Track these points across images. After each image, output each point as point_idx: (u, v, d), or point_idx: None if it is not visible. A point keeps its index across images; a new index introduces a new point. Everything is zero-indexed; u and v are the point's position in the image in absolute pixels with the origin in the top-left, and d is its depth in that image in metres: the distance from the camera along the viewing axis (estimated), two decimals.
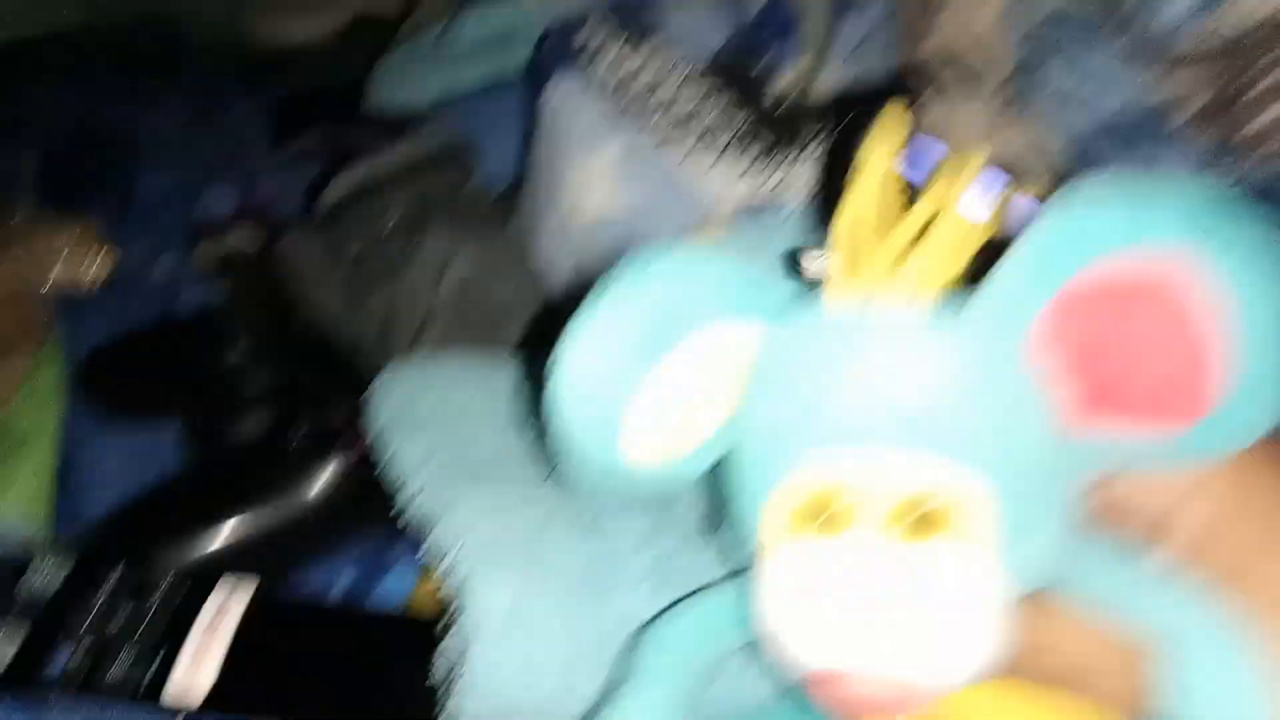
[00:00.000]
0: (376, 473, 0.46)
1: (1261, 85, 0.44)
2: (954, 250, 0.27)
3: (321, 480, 0.58)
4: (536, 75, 0.64)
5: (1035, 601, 0.28)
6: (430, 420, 0.48)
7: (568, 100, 0.60)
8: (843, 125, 0.52)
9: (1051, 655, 0.30)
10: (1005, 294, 0.26)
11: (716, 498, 0.33)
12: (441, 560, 0.39)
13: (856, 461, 0.27)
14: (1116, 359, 0.26)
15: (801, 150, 0.54)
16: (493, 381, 0.51)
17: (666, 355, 0.28)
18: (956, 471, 0.26)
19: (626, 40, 0.60)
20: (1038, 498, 0.27)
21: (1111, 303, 0.25)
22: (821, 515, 0.27)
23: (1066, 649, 0.30)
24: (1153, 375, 0.26)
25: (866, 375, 0.27)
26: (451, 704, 0.38)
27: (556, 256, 0.62)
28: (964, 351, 0.27)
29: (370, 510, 0.53)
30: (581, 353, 0.28)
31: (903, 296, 0.27)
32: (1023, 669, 0.29)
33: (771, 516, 0.29)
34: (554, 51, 0.63)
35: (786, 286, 0.30)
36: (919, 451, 0.26)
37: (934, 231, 0.27)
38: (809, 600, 0.27)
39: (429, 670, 0.40)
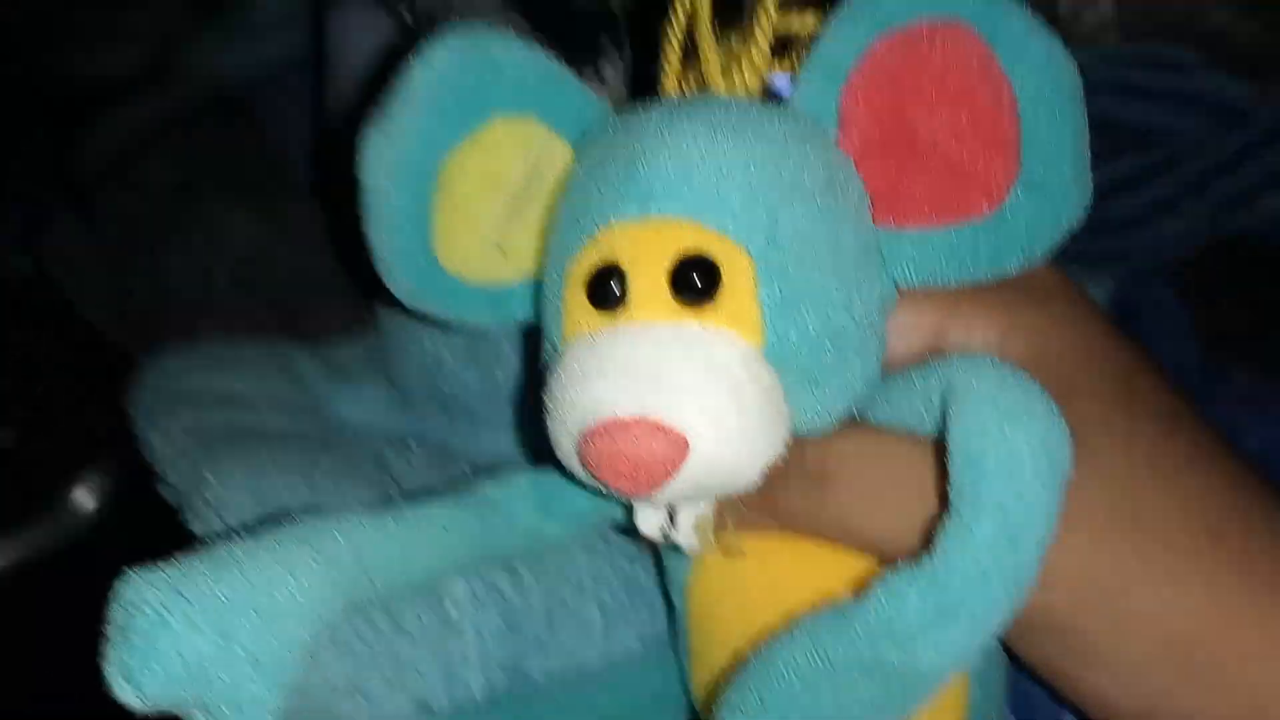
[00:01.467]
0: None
1: None
2: (766, 47, 0.29)
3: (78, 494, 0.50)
4: (319, 11, 0.57)
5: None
6: (192, 403, 0.42)
7: (352, 28, 0.53)
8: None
9: (835, 484, 0.28)
10: (814, 70, 0.28)
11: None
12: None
13: (634, 231, 0.27)
14: (912, 144, 0.27)
15: (599, 61, 0.49)
16: (268, 363, 0.46)
17: (460, 140, 0.29)
18: (726, 240, 0.26)
19: None
20: (808, 279, 0.27)
21: (906, 79, 0.27)
22: (602, 290, 0.27)
23: (850, 473, 0.28)
24: (946, 160, 0.27)
25: (645, 149, 0.27)
26: None
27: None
28: (758, 127, 0.27)
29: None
30: (383, 134, 0.28)
31: (724, 90, 0.29)
32: (809, 506, 0.28)
33: (566, 306, 0.28)
34: None
35: (578, 91, 0.30)
36: (693, 219, 0.27)
37: (756, 28, 0.29)
38: (584, 372, 0.26)
39: None
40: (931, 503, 0.26)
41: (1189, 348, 0.40)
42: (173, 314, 0.54)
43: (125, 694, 0.24)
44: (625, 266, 0.27)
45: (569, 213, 0.29)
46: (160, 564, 0.26)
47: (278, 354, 0.47)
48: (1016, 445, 0.23)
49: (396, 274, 0.30)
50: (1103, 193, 0.30)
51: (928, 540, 0.24)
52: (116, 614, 0.25)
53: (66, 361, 0.57)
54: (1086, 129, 0.27)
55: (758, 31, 0.29)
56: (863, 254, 0.28)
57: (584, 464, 0.26)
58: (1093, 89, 0.28)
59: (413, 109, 0.28)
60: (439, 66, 0.28)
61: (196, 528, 0.35)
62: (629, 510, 0.30)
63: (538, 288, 0.31)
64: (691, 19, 0.30)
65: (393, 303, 0.45)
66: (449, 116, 0.29)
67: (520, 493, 0.32)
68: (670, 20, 0.30)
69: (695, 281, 0.26)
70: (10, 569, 0.52)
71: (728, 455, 0.25)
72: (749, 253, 0.26)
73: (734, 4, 0.30)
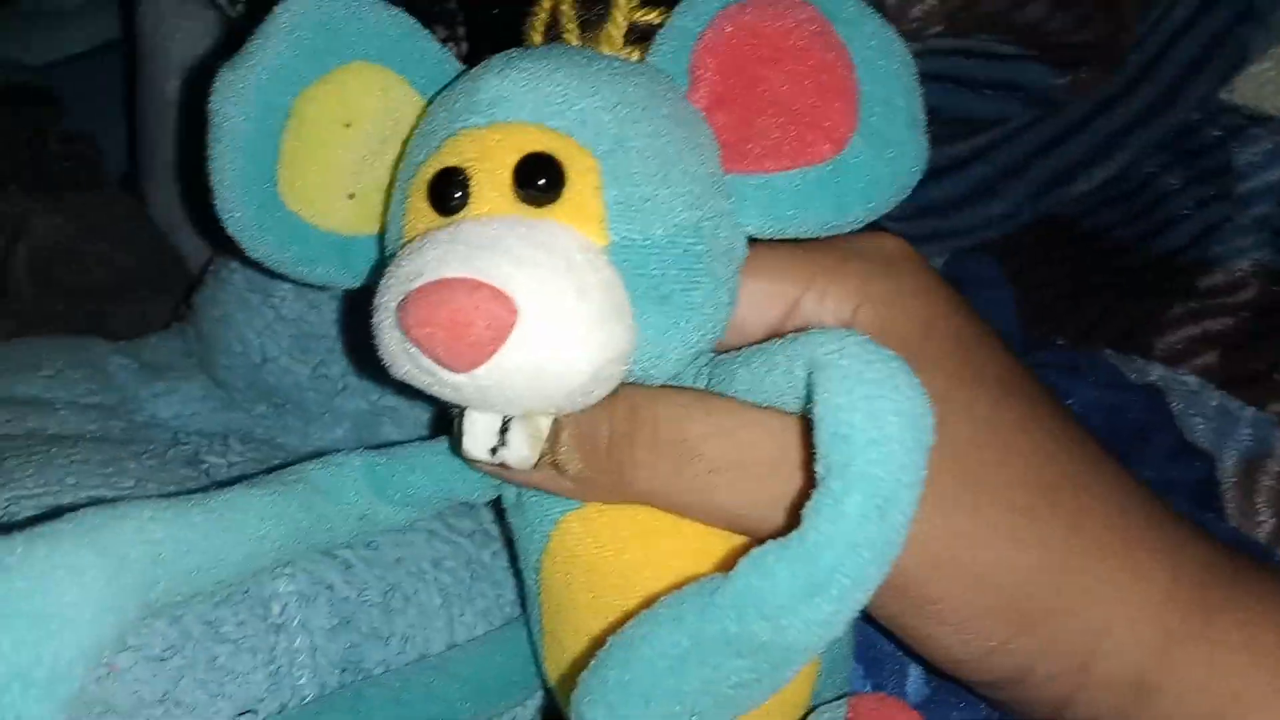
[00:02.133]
0: None
1: None
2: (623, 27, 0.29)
3: None
4: None
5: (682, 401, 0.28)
6: None
7: (166, 10, 0.51)
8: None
9: (698, 456, 0.27)
10: (666, 36, 0.29)
11: None
12: None
13: (478, 135, 0.27)
14: (757, 96, 0.28)
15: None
16: (71, 362, 0.43)
17: (315, 79, 0.29)
18: (568, 140, 0.26)
19: None
20: (654, 185, 0.27)
21: (750, 39, 0.28)
22: (443, 191, 0.27)
23: (710, 447, 0.27)
24: (788, 109, 0.28)
25: (499, 70, 0.27)
26: None
27: (176, 206, 0.52)
28: (612, 65, 0.28)
29: None
30: (238, 65, 0.29)
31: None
32: (666, 478, 0.27)
33: (406, 215, 0.28)
34: None
35: (433, 48, 0.31)
36: (539, 123, 0.26)
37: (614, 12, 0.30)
38: (412, 251, 0.26)
39: None
40: (794, 478, 0.26)
41: (1011, 319, 0.42)
42: None
43: None
44: (467, 168, 0.26)
45: (412, 145, 0.29)
46: None
47: (82, 351, 0.43)
48: (884, 418, 0.23)
49: (235, 207, 0.29)
50: (927, 176, 0.31)
51: (791, 517, 0.24)
52: None
53: None
54: (918, 92, 0.28)
55: (615, 12, 0.29)
56: (711, 187, 0.28)
57: (403, 329, 0.24)
58: (919, 79, 0.29)
59: (270, 43, 0.29)
60: (300, 5, 0.29)
61: None
62: (456, 431, 0.28)
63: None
64: (554, 11, 0.30)
65: (219, 283, 0.42)
66: (305, 52, 0.29)
67: (351, 475, 0.30)
68: (534, 10, 0.30)
69: (538, 179, 0.26)
70: None
71: (558, 335, 0.24)
72: (594, 154, 0.26)
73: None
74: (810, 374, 0.25)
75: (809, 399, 0.24)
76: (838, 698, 0.30)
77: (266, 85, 0.29)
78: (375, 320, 0.26)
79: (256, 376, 0.41)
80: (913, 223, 0.44)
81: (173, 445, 0.38)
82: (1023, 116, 0.45)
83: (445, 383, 0.25)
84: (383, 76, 0.30)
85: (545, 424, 0.27)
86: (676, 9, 0.29)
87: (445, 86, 0.30)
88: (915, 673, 0.35)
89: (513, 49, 0.29)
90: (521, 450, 0.27)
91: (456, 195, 0.26)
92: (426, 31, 0.31)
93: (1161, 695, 0.27)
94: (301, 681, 0.30)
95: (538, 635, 0.31)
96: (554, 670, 0.31)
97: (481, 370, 0.24)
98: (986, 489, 0.27)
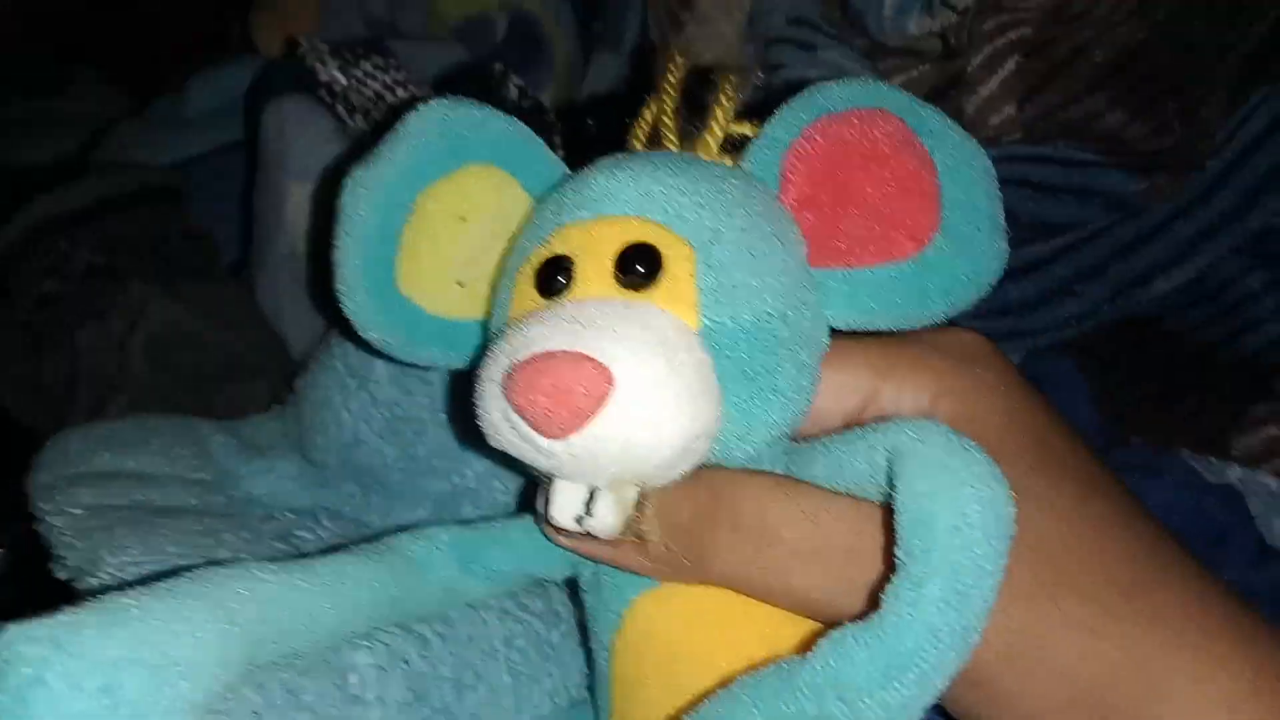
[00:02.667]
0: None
1: (976, 61, 0.46)
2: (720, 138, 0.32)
3: None
4: (254, 101, 0.58)
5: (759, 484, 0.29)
6: (94, 482, 0.40)
7: (289, 119, 0.54)
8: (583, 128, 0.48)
9: (778, 540, 0.28)
10: (760, 144, 0.31)
11: None
12: None
13: (585, 227, 0.29)
14: (844, 197, 0.30)
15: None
16: (177, 440, 0.45)
17: (438, 178, 0.32)
18: (667, 231, 0.28)
19: (349, 55, 0.54)
20: (745, 276, 0.28)
21: (840, 147, 0.30)
22: (550, 277, 0.29)
23: (790, 531, 0.28)
24: (873, 208, 0.30)
25: (608, 170, 0.30)
26: None
27: (283, 296, 0.55)
28: (711, 169, 0.30)
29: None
30: (368, 165, 0.31)
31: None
32: (745, 561, 0.28)
33: (520, 293, 0.30)
34: (272, 73, 0.57)
35: (544, 152, 0.33)
36: (641, 216, 0.29)
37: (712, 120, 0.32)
38: (518, 327, 0.27)
39: None
40: (872, 565, 0.26)
41: (1089, 415, 0.41)
42: (83, 393, 0.53)
43: None
44: (573, 256, 0.29)
45: (524, 235, 0.31)
46: (44, 617, 0.24)
47: (189, 430, 0.46)
48: (966, 506, 0.23)
49: (355, 291, 0.31)
50: (1005, 277, 0.31)
51: (868, 603, 0.25)
52: None
53: None
54: (1000, 198, 0.30)
55: (713, 123, 0.32)
56: (797, 279, 0.29)
57: (506, 396, 0.26)
58: (998, 185, 0.30)
59: (400, 146, 0.31)
60: (429, 115, 0.31)
61: None
62: (543, 500, 0.29)
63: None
64: (657, 119, 0.33)
65: (322, 367, 0.45)
66: (431, 155, 0.31)
67: (439, 547, 0.31)
68: (640, 118, 0.33)
69: (638, 265, 0.28)
70: None
71: (651, 407, 0.25)
72: (691, 244, 0.28)
73: (698, 109, 0.32)
74: (891, 461, 0.25)
75: (890, 485, 0.25)
76: None
77: (394, 183, 0.31)
78: (478, 391, 0.28)
79: (348, 456, 0.43)
80: (989, 321, 0.44)
81: (266, 520, 0.40)
82: (1101, 220, 0.45)
83: (541, 449, 0.27)
84: (498, 177, 0.33)
85: (631, 496, 0.28)
86: (769, 120, 0.31)
87: (553, 187, 0.32)
88: None
89: (618, 154, 0.32)
90: (607, 519, 0.28)
91: (561, 280, 0.29)
92: (540, 139, 0.33)
93: None
94: None
95: (606, 716, 0.31)
96: None
97: (576, 438, 0.26)
98: (1065, 582, 0.27)
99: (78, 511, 0.38)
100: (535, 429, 0.26)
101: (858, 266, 0.30)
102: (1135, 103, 0.44)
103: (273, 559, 0.36)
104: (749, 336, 0.28)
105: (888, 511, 0.25)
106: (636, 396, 0.25)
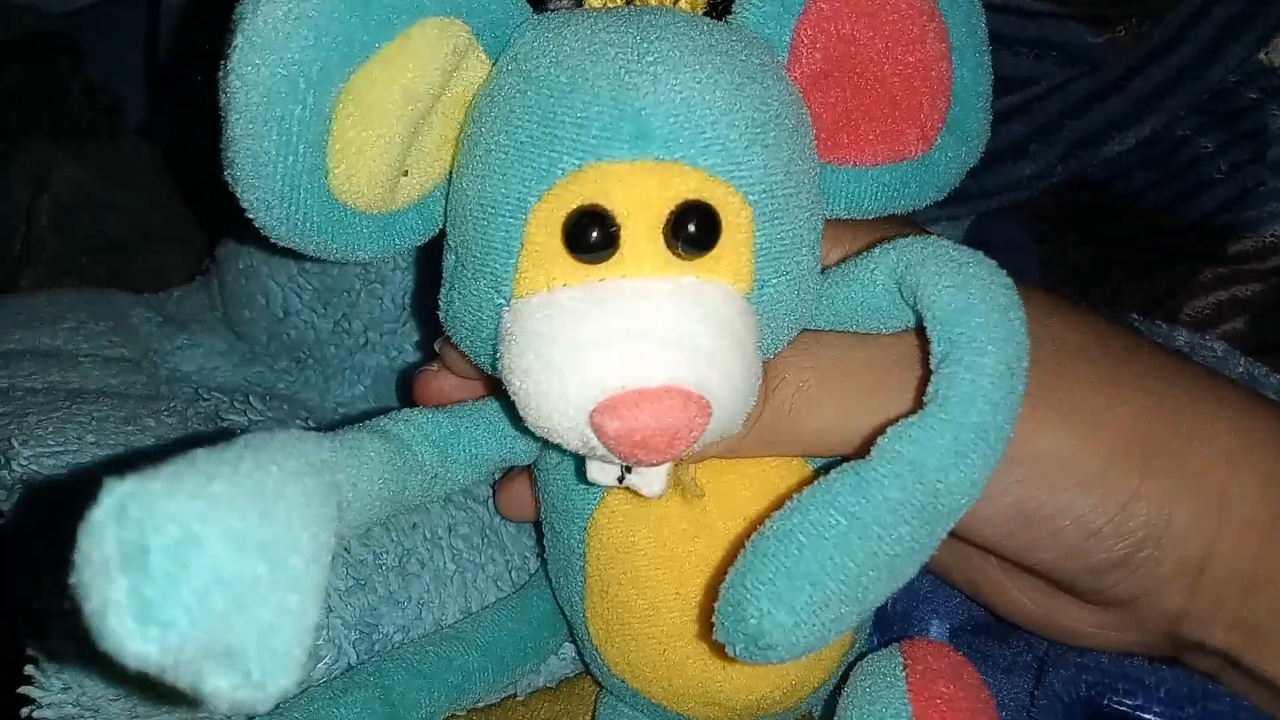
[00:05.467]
0: None
1: None
2: None
3: None
4: None
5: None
6: (6, 363, 0.39)
7: None
8: None
9: (783, 380, 0.28)
10: (760, 3, 0.27)
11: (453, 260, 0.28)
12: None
13: (628, 174, 0.24)
14: (861, 81, 0.27)
15: None
16: (96, 315, 0.43)
17: (391, 40, 0.24)
18: (728, 188, 0.25)
19: None
20: (792, 223, 0.26)
21: (862, 17, 0.27)
22: (589, 235, 0.24)
23: (793, 369, 0.28)
24: (892, 100, 0.28)
25: (631, 80, 0.25)
26: None
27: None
28: (734, 56, 0.26)
29: None
30: (277, 45, 0.23)
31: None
32: (755, 415, 0.27)
33: (530, 250, 0.25)
34: None
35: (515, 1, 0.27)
36: (695, 164, 0.25)
37: None
38: (593, 338, 0.24)
39: None
40: (872, 385, 0.28)
41: (1037, 279, 0.41)
42: None
43: (136, 641, 0.17)
44: (617, 212, 0.24)
45: (522, 145, 0.25)
46: (149, 474, 0.18)
47: (107, 304, 0.43)
48: (995, 293, 0.25)
49: (277, 210, 0.25)
50: None
51: (914, 402, 0.26)
52: (115, 535, 0.18)
53: None
54: (992, 74, 0.29)
55: None
56: (817, 194, 0.27)
57: (600, 433, 0.24)
58: None
59: (322, 2, 0.23)
60: None
61: (1, 501, 0.31)
62: (577, 460, 0.28)
63: (454, 216, 0.27)
64: None
65: (242, 240, 0.42)
66: (373, 12, 0.24)
67: (423, 433, 0.29)
68: None
69: (696, 233, 0.25)
70: None
71: (737, 411, 0.25)
72: (748, 200, 0.25)
73: None
74: (903, 273, 0.26)
75: (902, 295, 0.27)
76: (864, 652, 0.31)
77: (324, 60, 0.23)
78: (527, 394, 0.24)
79: (279, 330, 0.42)
80: None
81: (194, 402, 0.38)
82: (1057, 76, 0.44)
83: (617, 463, 0.26)
84: (452, 31, 0.25)
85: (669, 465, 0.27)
86: None
87: (515, 37, 0.26)
88: (936, 628, 0.35)
89: (603, 11, 0.27)
90: (657, 487, 0.27)
91: (600, 239, 0.24)
92: None
93: None
94: (318, 643, 0.30)
95: (576, 591, 0.31)
96: (598, 623, 0.31)
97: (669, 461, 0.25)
98: (1069, 348, 0.28)
99: None
100: (626, 459, 0.24)
101: (867, 165, 0.28)
102: None
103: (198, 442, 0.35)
104: (791, 284, 0.26)
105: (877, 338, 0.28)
106: (728, 413, 0.25)
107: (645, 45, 0.25)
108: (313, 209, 0.25)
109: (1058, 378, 0.28)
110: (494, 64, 0.27)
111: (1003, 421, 0.25)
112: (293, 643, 0.19)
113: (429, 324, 0.38)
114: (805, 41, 0.27)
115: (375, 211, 0.26)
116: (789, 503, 0.25)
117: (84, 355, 0.40)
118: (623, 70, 0.25)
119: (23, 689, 0.27)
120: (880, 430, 0.25)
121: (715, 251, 0.25)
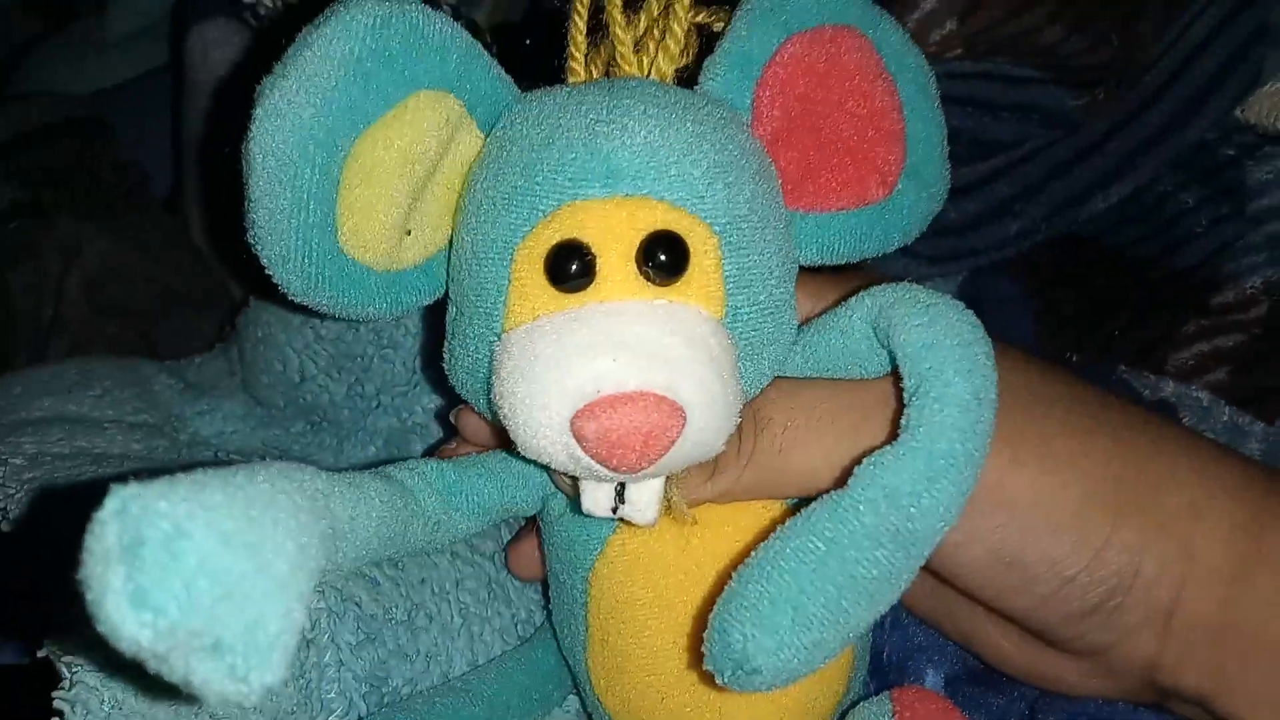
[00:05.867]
0: None
1: None
2: (683, 36, 0.30)
3: None
4: (178, 26, 0.56)
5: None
6: (36, 430, 0.40)
7: (213, 44, 0.52)
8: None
9: (769, 420, 0.29)
10: (729, 62, 0.29)
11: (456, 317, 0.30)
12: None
13: (600, 209, 0.27)
14: (819, 135, 0.30)
15: None
16: (120, 382, 0.45)
17: (390, 108, 0.27)
18: (694, 218, 0.27)
19: None
20: (759, 254, 0.28)
21: (816, 76, 0.30)
22: (568, 267, 0.27)
23: (780, 410, 0.30)
24: (850, 150, 0.30)
25: (601, 129, 0.27)
26: None
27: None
28: (696, 110, 0.28)
29: None
30: (290, 105, 0.26)
31: (639, 72, 0.30)
32: (745, 455, 0.29)
33: (516, 287, 0.27)
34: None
35: (494, 71, 0.29)
36: (661, 198, 0.27)
37: (668, 23, 0.30)
38: (568, 351, 0.26)
39: None
40: (854, 424, 0.29)
41: (1029, 336, 0.42)
42: (22, 337, 0.52)
43: (129, 624, 0.19)
44: (592, 244, 0.27)
45: (507, 195, 0.28)
46: (150, 480, 0.20)
47: (132, 372, 0.45)
48: (962, 329, 0.27)
49: (292, 264, 0.27)
50: (947, 197, 0.32)
51: (889, 434, 0.27)
52: (115, 530, 0.19)
53: None
54: (945, 126, 0.31)
55: (674, 20, 0.30)
56: (786, 233, 0.29)
57: (581, 440, 0.25)
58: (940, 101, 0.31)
59: (329, 76, 0.26)
60: (361, 31, 0.26)
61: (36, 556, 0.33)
62: (577, 494, 0.29)
63: (453, 272, 0.30)
64: (595, 5, 0.31)
65: (262, 304, 0.44)
66: (374, 85, 0.26)
67: (427, 481, 0.30)
68: (576, 2, 0.31)
69: (665, 259, 0.27)
70: None
71: (713, 424, 0.26)
72: (714, 230, 0.27)
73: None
74: (877, 316, 0.28)
75: (877, 338, 0.28)
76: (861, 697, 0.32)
77: (332, 127, 0.26)
78: (514, 411, 0.26)
79: (295, 394, 0.43)
80: (931, 242, 0.44)
81: (212, 465, 0.39)
82: (1040, 138, 0.45)
83: (602, 475, 0.26)
84: (446, 105, 0.28)
85: (657, 485, 0.28)
86: (734, 29, 0.29)
87: (507, 110, 0.29)
88: (931, 676, 0.36)
89: (582, 85, 0.29)
90: (648, 512, 0.28)
91: (577, 270, 0.27)
92: (482, 51, 0.29)
93: (1262, 567, 0.28)
94: (330, 696, 0.31)
95: (579, 640, 0.32)
96: (599, 672, 0.32)
97: (645, 469, 0.26)
98: (1042, 399, 0.30)
99: (19, 461, 0.37)
100: (606, 466, 0.25)
101: (833, 210, 0.30)
102: (1073, 16, 0.44)
103: None
104: (761, 313, 0.28)
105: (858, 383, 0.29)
106: (703, 423, 0.26)
107: (615, 102, 0.28)
108: (325, 263, 0.27)
109: (1032, 423, 0.29)
110: (486, 137, 0.29)
111: (973, 448, 0.26)
112: (276, 640, 0.20)
113: (441, 389, 0.40)
114: (765, 102, 0.29)
115: (383, 269, 0.29)
116: (767, 540, 0.26)
117: (109, 421, 0.42)
118: (594, 122, 0.27)
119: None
120: (858, 462, 0.26)
121: (685, 276, 0.27)
